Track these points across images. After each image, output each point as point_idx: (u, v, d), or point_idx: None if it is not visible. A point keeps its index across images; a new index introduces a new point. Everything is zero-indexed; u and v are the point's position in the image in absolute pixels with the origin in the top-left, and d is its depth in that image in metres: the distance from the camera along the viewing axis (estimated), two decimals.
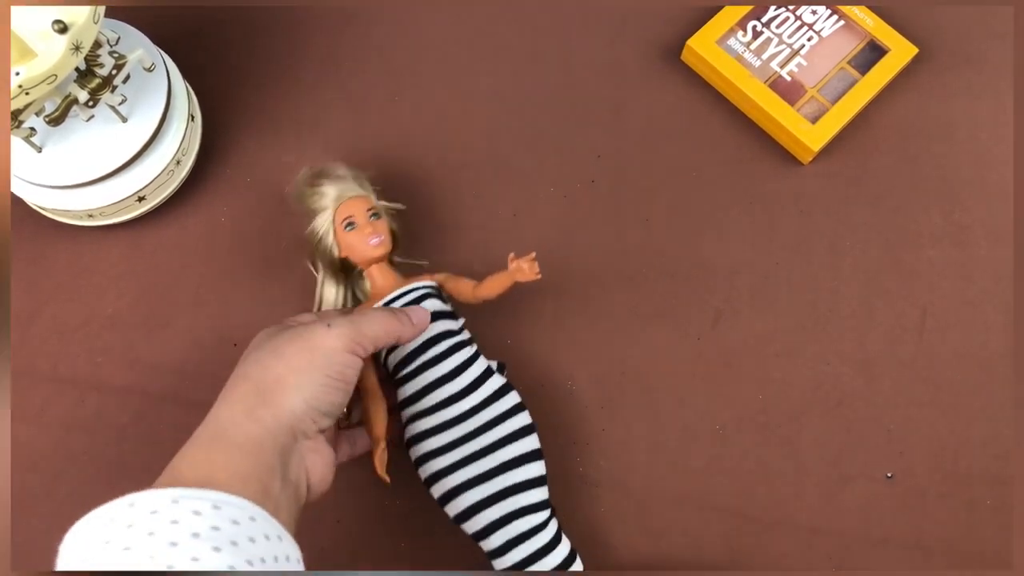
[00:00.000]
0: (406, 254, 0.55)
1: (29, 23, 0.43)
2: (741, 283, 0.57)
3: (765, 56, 0.61)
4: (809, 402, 0.54)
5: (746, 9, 0.63)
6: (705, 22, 0.62)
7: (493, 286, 0.49)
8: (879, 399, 0.55)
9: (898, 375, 0.55)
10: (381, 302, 0.49)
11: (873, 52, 0.62)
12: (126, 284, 0.56)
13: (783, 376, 0.55)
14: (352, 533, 0.51)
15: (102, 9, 0.46)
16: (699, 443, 0.53)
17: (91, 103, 0.50)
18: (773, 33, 0.62)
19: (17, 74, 0.43)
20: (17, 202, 0.56)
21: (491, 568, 0.46)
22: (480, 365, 0.48)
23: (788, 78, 0.61)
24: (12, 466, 0.51)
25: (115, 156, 0.52)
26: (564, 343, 0.55)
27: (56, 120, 0.49)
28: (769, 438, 0.54)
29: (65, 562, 0.32)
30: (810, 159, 0.60)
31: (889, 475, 0.53)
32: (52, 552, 0.50)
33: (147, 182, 0.53)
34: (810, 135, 0.59)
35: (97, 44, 0.51)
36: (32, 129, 0.50)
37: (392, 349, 0.48)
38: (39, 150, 0.51)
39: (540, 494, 0.46)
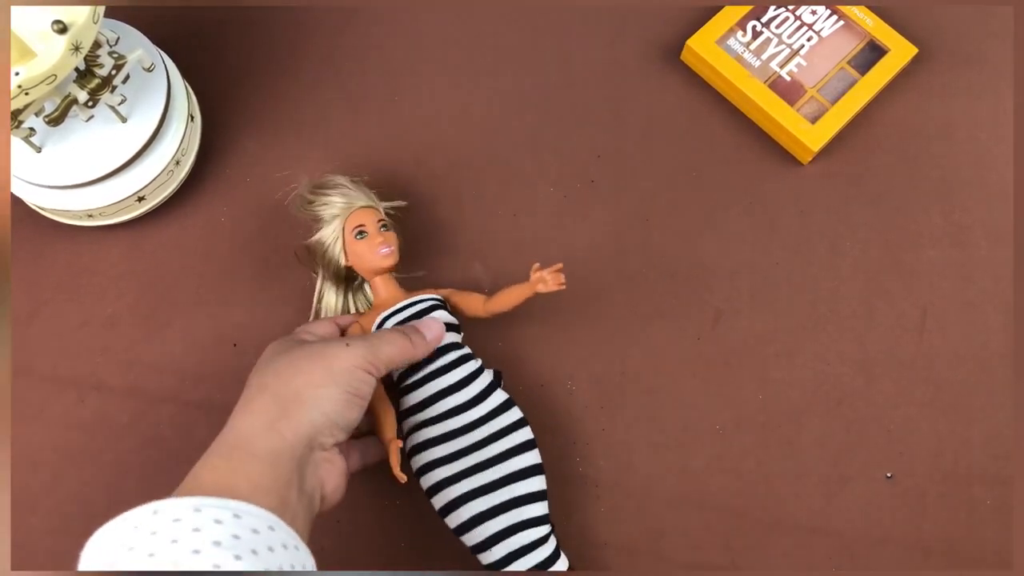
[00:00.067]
0: (404, 267, 0.54)
1: (29, 23, 0.43)
2: (741, 283, 0.57)
3: (765, 56, 0.61)
4: (809, 402, 0.54)
5: (746, 9, 0.63)
6: (705, 22, 0.62)
7: (509, 299, 0.49)
8: (879, 399, 0.55)
9: (898, 375, 0.55)
10: (386, 313, 0.49)
11: (873, 52, 0.62)
12: (126, 284, 0.56)
13: (783, 376, 0.55)
14: (352, 533, 0.51)
15: (102, 9, 0.46)
16: (699, 443, 0.53)
17: (91, 103, 0.50)
18: (773, 33, 0.62)
19: (17, 74, 0.43)
20: (17, 202, 0.56)
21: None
22: (485, 378, 0.48)
23: (788, 78, 0.61)
24: (12, 466, 0.51)
25: (115, 156, 0.52)
26: (564, 343, 0.55)
27: (56, 120, 0.49)
28: (769, 438, 0.54)
29: (88, 566, 0.33)
30: (810, 159, 0.60)
31: (889, 475, 0.53)
32: (52, 552, 0.50)
33: (147, 182, 0.53)
34: (810, 135, 0.59)
35: (97, 44, 0.51)
36: (32, 129, 0.50)
37: None
38: (39, 150, 0.51)
39: (541, 508, 0.46)
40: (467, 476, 0.46)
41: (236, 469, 0.38)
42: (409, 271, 0.55)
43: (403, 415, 0.48)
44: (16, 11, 0.43)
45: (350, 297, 0.53)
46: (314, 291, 0.54)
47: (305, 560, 0.36)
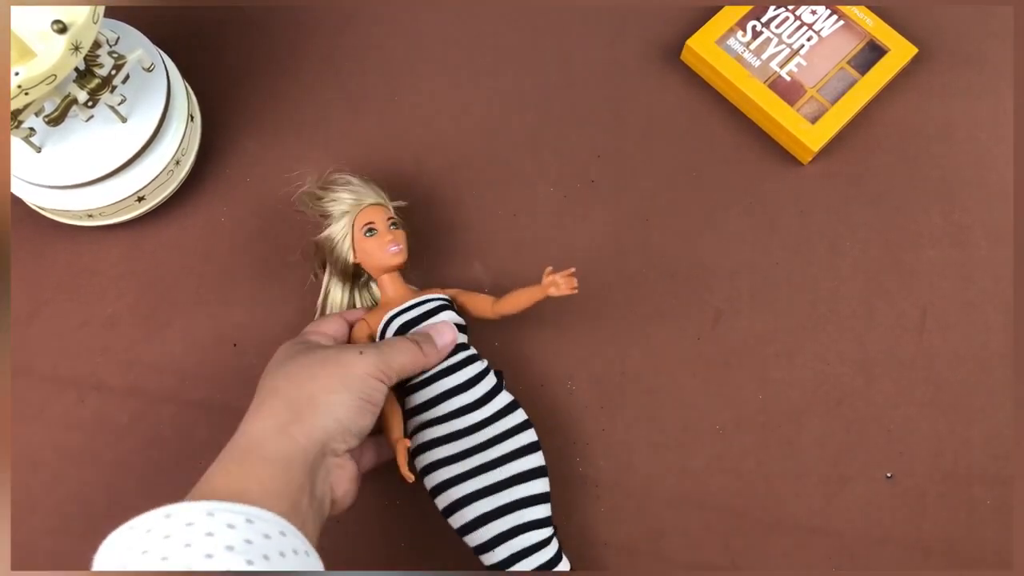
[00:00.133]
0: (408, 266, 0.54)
1: (29, 23, 0.43)
2: (741, 283, 0.57)
3: (765, 56, 0.61)
4: (809, 402, 0.54)
5: (746, 9, 0.63)
6: (705, 22, 0.62)
7: (518, 301, 0.49)
8: (879, 399, 0.55)
9: (898, 375, 0.55)
10: (393, 312, 0.49)
11: (873, 52, 0.62)
12: (126, 284, 0.56)
13: (783, 376, 0.55)
14: (352, 533, 0.51)
15: (101, 9, 0.46)
16: (699, 443, 0.53)
17: (90, 103, 0.50)
18: (773, 33, 0.62)
19: (17, 74, 0.43)
20: (17, 202, 0.56)
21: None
22: (491, 379, 0.48)
23: (788, 78, 0.61)
24: (12, 466, 0.51)
25: (115, 156, 0.52)
26: (564, 343, 0.55)
27: (56, 120, 0.49)
28: (769, 438, 0.54)
29: (102, 569, 0.34)
30: (810, 159, 0.60)
31: (889, 475, 0.53)
32: (52, 552, 0.50)
33: (146, 182, 0.53)
34: (810, 135, 0.59)
35: (96, 44, 0.51)
36: (32, 129, 0.50)
37: None
38: (39, 150, 0.51)
39: (544, 511, 0.46)
40: (472, 476, 0.46)
41: (248, 473, 0.38)
42: (412, 271, 0.55)
43: (409, 414, 0.48)
44: (16, 11, 0.43)
45: (356, 294, 0.53)
46: (316, 290, 0.54)
47: (315, 565, 0.36)
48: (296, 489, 0.38)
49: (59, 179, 0.51)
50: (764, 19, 0.63)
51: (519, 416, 0.48)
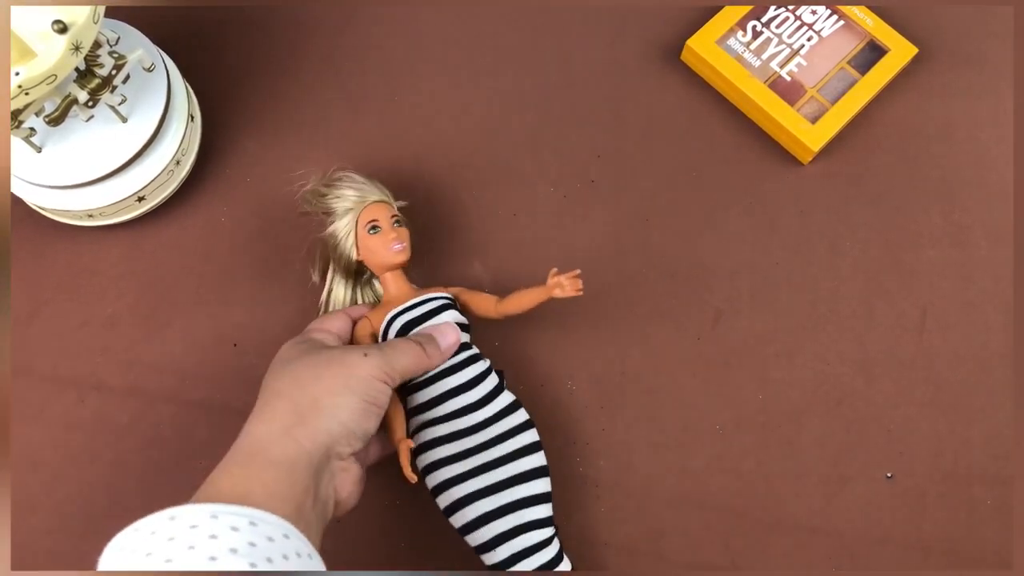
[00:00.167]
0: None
1: (29, 23, 0.43)
2: (741, 283, 0.57)
3: (765, 56, 0.61)
4: (809, 402, 0.54)
5: (746, 9, 0.63)
6: (705, 22, 0.62)
7: (523, 301, 0.49)
8: (879, 399, 0.55)
9: (898, 375, 0.55)
10: (396, 310, 0.49)
11: (873, 52, 0.62)
12: (126, 284, 0.56)
13: (783, 376, 0.55)
14: (352, 533, 0.50)
15: (102, 9, 0.46)
16: (699, 443, 0.53)
17: (91, 103, 0.50)
18: (773, 33, 0.62)
19: (17, 74, 0.43)
20: (17, 202, 0.56)
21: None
22: (493, 379, 0.48)
23: (788, 78, 0.61)
24: (12, 466, 0.51)
25: (115, 156, 0.52)
26: (564, 343, 0.55)
27: (56, 120, 0.49)
28: (769, 438, 0.54)
29: (107, 570, 0.34)
30: (810, 159, 0.60)
31: (889, 475, 0.53)
32: (52, 552, 0.50)
33: (147, 182, 0.53)
34: (810, 135, 0.59)
35: (97, 44, 0.51)
36: (32, 129, 0.50)
37: None
38: (39, 150, 0.51)
39: (545, 510, 0.46)
40: (474, 476, 0.46)
41: (252, 476, 0.38)
42: (412, 261, 0.55)
43: (411, 413, 0.48)
44: (16, 11, 0.43)
45: (358, 291, 0.53)
46: (316, 289, 0.53)
47: (318, 567, 0.36)
48: (300, 492, 0.38)
49: (59, 179, 0.51)
50: (764, 19, 0.63)
51: (521, 416, 0.48)
